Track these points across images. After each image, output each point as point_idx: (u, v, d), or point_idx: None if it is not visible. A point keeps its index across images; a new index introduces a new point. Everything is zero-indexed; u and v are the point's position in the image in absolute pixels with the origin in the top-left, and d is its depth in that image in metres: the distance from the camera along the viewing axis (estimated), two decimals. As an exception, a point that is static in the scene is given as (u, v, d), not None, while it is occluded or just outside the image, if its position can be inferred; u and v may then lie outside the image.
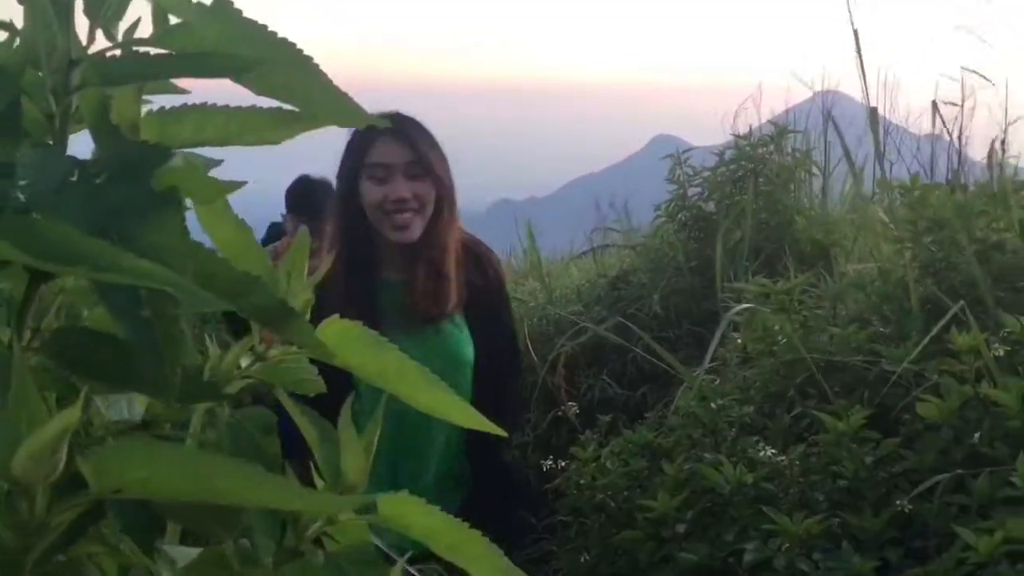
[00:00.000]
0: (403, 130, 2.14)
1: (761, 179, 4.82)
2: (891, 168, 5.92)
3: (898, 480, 1.97)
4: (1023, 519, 1.53)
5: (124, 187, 0.51)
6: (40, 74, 0.54)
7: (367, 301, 2.10)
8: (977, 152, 5.85)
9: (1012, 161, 5.63)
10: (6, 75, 0.52)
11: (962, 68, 5.40)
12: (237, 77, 0.56)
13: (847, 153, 4.77)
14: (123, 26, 0.57)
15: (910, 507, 1.85)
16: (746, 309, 3.08)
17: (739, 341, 2.95)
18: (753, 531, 1.89)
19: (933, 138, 5.46)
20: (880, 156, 5.56)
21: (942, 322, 2.50)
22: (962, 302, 2.42)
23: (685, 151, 5.31)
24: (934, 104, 5.14)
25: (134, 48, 0.56)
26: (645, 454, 2.37)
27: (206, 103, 0.60)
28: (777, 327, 2.58)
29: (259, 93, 0.59)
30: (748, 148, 4.97)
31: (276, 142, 0.62)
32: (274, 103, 0.63)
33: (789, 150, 5.07)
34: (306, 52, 0.59)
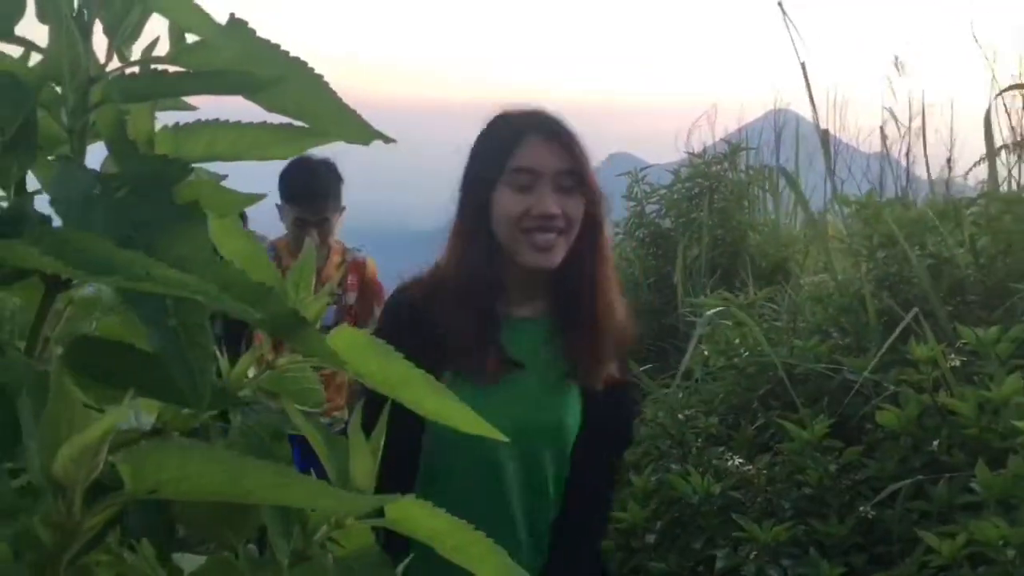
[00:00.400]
0: (556, 132, 1.62)
1: (716, 196, 4.92)
2: (842, 185, 6.07)
3: (860, 487, 2.02)
4: (984, 522, 1.58)
5: (146, 201, 0.53)
6: (59, 90, 0.55)
7: (495, 341, 1.58)
8: (923, 170, 6.02)
9: (959, 180, 5.82)
10: (26, 90, 0.53)
11: (909, 91, 5.57)
12: (251, 95, 0.58)
13: (789, 180, 4.88)
14: (141, 44, 0.59)
15: (873, 513, 1.89)
16: (709, 323, 3.14)
17: (705, 353, 3.00)
18: (721, 540, 1.93)
19: (882, 156, 5.62)
20: (831, 174, 5.70)
21: (896, 331, 2.58)
22: (915, 310, 2.49)
23: (642, 169, 5.40)
24: (881, 128, 5.30)
25: (152, 66, 0.57)
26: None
27: (217, 119, 0.61)
28: (738, 340, 2.63)
29: (270, 110, 0.61)
30: (703, 166, 5.06)
31: (284, 157, 0.64)
32: (279, 118, 0.65)
33: (743, 167, 5.18)
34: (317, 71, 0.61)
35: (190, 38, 0.59)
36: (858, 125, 5.32)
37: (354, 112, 0.62)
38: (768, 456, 2.13)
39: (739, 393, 2.69)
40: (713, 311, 3.14)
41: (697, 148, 5.88)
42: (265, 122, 0.63)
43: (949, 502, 1.82)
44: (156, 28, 0.60)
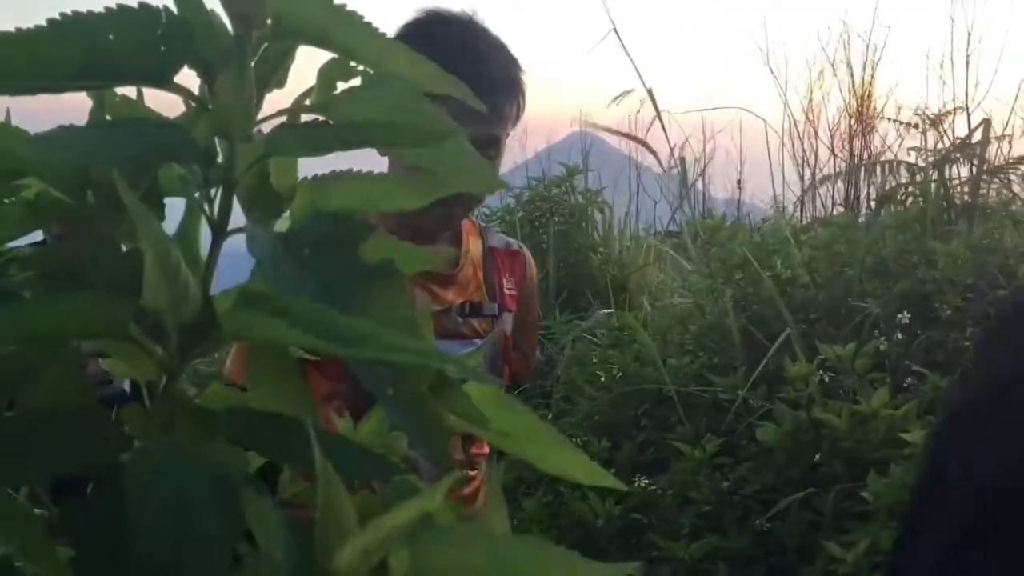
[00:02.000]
0: None
1: (558, 218, 5.05)
2: (655, 207, 6.39)
3: (750, 502, 2.13)
4: (887, 531, 1.71)
5: (335, 261, 0.50)
6: (223, 144, 0.51)
7: None
8: (718, 190, 6.44)
9: (748, 199, 6.26)
10: (198, 147, 0.49)
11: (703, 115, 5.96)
12: (405, 148, 0.56)
13: (601, 208, 5.11)
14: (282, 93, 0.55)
15: (768, 526, 2.00)
16: (573, 345, 3.22)
17: (571, 374, 3.07)
18: (629, 561, 1.98)
19: (681, 176, 5.97)
20: (636, 195, 6.00)
21: (771, 351, 2.74)
22: (788, 331, 2.65)
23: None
24: (677, 150, 5.65)
25: (303, 117, 0.54)
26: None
27: (351, 170, 0.59)
28: (616, 361, 2.71)
29: (408, 163, 0.59)
30: (543, 189, 5.20)
31: (411, 208, 0.62)
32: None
33: (580, 189, 5.35)
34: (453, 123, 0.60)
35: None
36: (658, 145, 5.62)
37: (483, 162, 0.62)
38: (666, 476, 2.21)
39: (610, 414, 2.77)
40: (577, 333, 3.22)
41: (507, 168, 6.04)
42: (395, 173, 0.61)
43: (839, 512, 1.96)
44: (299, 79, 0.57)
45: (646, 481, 2.16)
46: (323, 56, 0.58)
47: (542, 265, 4.83)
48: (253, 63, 0.53)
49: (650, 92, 4.61)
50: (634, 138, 5.29)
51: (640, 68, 5.08)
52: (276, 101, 0.56)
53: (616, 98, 5.12)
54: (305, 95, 0.56)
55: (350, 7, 0.52)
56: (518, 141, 6.24)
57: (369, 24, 0.53)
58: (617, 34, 5.06)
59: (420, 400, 0.48)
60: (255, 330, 0.45)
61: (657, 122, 4.86)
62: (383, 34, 0.53)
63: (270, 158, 0.54)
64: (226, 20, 0.53)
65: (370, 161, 0.58)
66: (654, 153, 5.74)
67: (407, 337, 0.46)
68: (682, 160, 5.42)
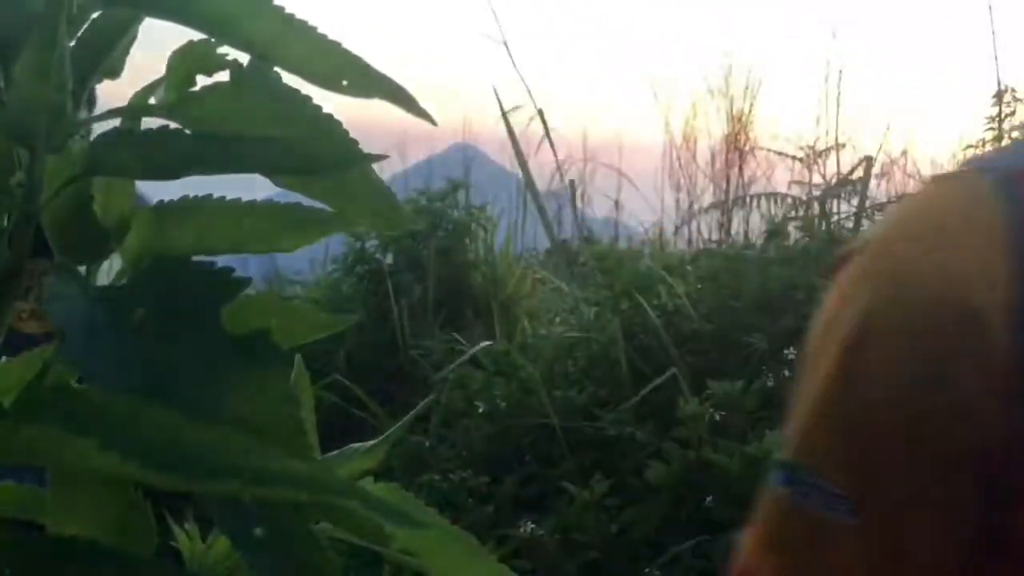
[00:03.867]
0: None
1: (440, 233, 4.90)
2: (536, 224, 6.34)
3: (639, 547, 2.03)
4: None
5: (183, 332, 0.34)
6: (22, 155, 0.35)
7: None
8: (597, 210, 6.46)
9: (626, 220, 6.30)
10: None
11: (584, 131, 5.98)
12: (303, 179, 0.41)
13: (484, 224, 5.03)
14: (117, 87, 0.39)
15: (658, 574, 1.91)
16: (456, 368, 3.08)
17: (444, 400, 2.93)
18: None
19: (560, 194, 5.95)
20: (523, 212, 5.94)
21: (649, 387, 2.67)
22: (673, 370, 2.59)
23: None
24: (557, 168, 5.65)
25: (143, 121, 0.38)
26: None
27: (211, 195, 0.43)
28: (498, 391, 2.59)
29: (292, 189, 0.44)
30: (426, 203, 5.04)
31: (293, 249, 0.47)
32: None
33: (463, 205, 5.21)
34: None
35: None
36: (539, 163, 5.58)
37: (392, 196, 0.47)
38: (550, 515, 2.09)
39: (496, 444, 2.64)
40: (461, 359, 3.09)
41: (386, 176, 5.87)
42: (271, 201, 0.46)
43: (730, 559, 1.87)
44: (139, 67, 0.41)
45: (531, 525, 2.04)
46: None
47: (422, 282, 4.67)
48: (73, 41, 0.37)
49: (540, 112, 4.54)
50: (521, 162, 5.20)
51: (529, 84, 5.02)
52: (108, 96, 0.40)
53: (507, 112, 5.02)
54: (149, 90, 0.40)
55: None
56: (397, 150, 6.07)
57: None
58: (507, 48, 4.98)
59: (304, 543, 0.33)
60: (47, 452, 0.29)
61: (546, 140, 4.78)
62: (280, 7, 0.37)
63: (92, 177, 0.38)
64: (36, -24, 0.37)
65: (240, 182, 0.43)
66: (529, 173, 5.68)
67: (288, 458, 0.31)
68: (572, 182, 5.38)
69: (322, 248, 5.15)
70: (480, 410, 2.71)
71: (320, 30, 0.36)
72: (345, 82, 0.38)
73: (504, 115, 5.24)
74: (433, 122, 0.39)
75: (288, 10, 0.35)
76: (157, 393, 0.33)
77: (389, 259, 4.88)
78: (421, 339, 4.26)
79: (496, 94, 5.01)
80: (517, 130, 5.52)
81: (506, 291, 4.69)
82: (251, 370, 0.34)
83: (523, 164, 5.56)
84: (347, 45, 0.39)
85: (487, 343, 3.42)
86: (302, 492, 0.30)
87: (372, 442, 0.46)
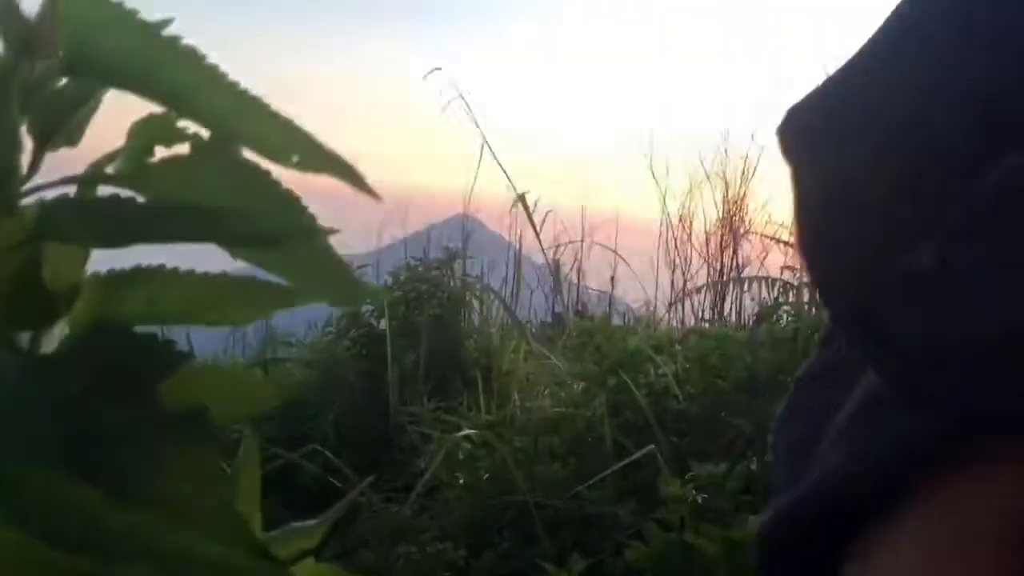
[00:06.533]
0: None
1: (434, 302, 4.90)
2: (531, 295, 6.36)
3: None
4: None
5: (116, 405, 0.34)
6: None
7: None
8: (592, 283, 6.49)
9: (620, 295, 6.31)
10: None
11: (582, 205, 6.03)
12: (249, 248, 0.41)
13: (479, 295, 5.03)
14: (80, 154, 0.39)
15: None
16: (442, 439, 3.05)
17: (432, 472, 2.90)
18: None
19: (556, 268, 5.98)
20: (517, 289, 5.96)
21: (627, 460, 2.64)
22: (652, 447, 2.57)
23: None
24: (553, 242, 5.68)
25: (99, 188, 0.39)
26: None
27: (163, 266, 0.43)
28: (483, 464, 2.56)
29: (247, 261, 0.44)
30: (423, 271, 5.05)
31: (244, 322, 0.47)
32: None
33: (459, 274, 5.23)
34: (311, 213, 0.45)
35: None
36: (537, 235, 5.62)
37: (349, 271, 0.47)
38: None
39: (476, 517, 2.60)
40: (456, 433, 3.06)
41: (386, 242, 5.93)
42: (224, 273, 0.45)
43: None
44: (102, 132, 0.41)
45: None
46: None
47: (415, 349, 4.65)
48: (32, 107, 0.38)
49: (521, 197, 4.61)
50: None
51: (512, 173, 5.09)
52: (65, 164, 0.40)
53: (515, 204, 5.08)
54: (108, 159, 0.40)
55: (188, 42, 0.37)
56: (398, 216, 6.12)
57: (216, 68, 0.37)
58: (488, 144, 5.08)
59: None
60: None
61: (544, 215, 4.83)
62: (235, 83, 0.37)
63: (41, 242, 0.38)
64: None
65: (199, 254, 0.43)
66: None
67: (211, 542, 0.30)
68: (556, 263, 5.42)
69: (320, 310, 5.16)
70: (462, 482, 2.68)
71: (273, 106, 0.37)
72: (295, 158, 0.38)
73: (520, 200, 5.28)
74: (377, 197, 0.39)
75: (242, 86, 0.35)
76: (79, 469, 0.32)
77: (384, 324, 4.88)
78: (410, 406, 4.24)
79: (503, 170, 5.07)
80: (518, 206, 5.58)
81: (498, 362, 4.68)
82: (183, 448, 0.34)
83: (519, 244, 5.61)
84: (304, 125, 0.40)
85: (474, 414, 3.40)
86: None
87: (312, 522, 0.45)
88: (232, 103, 0.36)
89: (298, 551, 0.44)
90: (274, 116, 0.35)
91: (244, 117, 0.36)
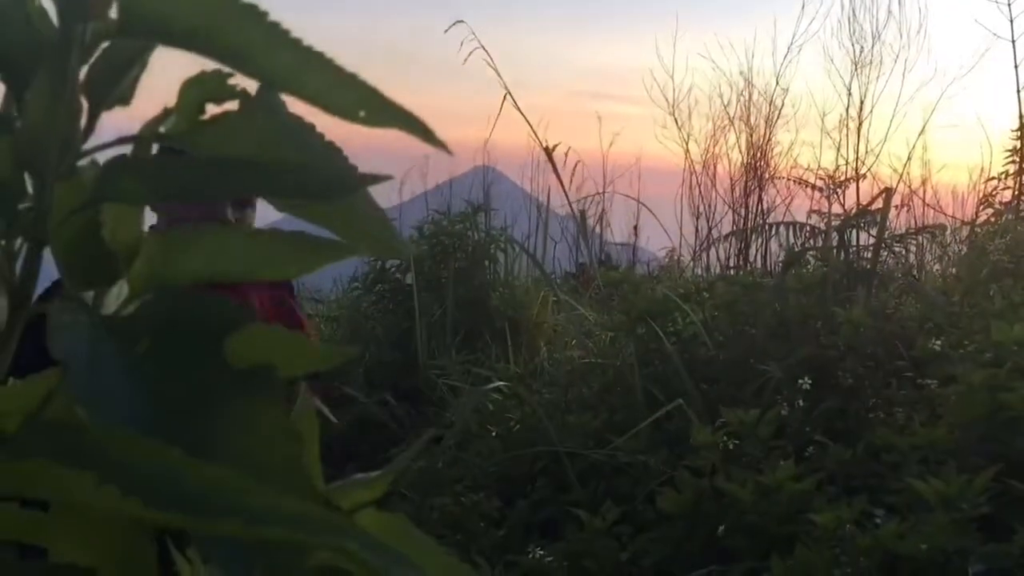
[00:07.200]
0: None
1: (460, 255, 4.91)
2: (555, 247, 6.33)
3: (649, 575, 2.01)
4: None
5: (186, 363, 0.34)
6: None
7: None
8: (616, 234, 6.45)
9: (644, 245, 6.28)
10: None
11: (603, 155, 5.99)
12: (308, 202, 0.41)
13: (504, 247, 5.02)
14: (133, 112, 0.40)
15: (668, 604, 1.89)
16: (471, 392, 3.07)
17: (468, 421, 2.92)
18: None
19: (582, 219, 5.94)
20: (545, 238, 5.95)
21: (661, 411, 2.65)
22: (680, 400, 2.57)
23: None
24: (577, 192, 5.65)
25: (159, 146, 0.39)
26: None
27: (219, 223, 0.43)
28: (513, 415, 2.58)
29: (293, 214, 0.44)
30: (447, 224, 5.05)
31: (300, 275, 0.47)
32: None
33: (483, 227, 5.22)
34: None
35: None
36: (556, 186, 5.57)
37: (390, 224, 0.47)
38: (561, 542, 2.07)
39: (509, 467, 2.63)
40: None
41: (407, 197, 5.92)
42: (276, 229, 0.46)
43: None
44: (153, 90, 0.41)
45: (540, 552, 2.02)
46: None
47: (441, 302, 4.67)
48: (85, 68, 0.38)
49: (547, 149, 4.57)
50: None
51: (537, 124, 5.04)
52: (118, 124, 0.41)
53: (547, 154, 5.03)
54: (160, 119, 0.40)
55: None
56: (419, 171, 6.10)
57: (276, 24, 0.37)
58: (511, 95, 5.02)
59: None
60: (46, 486, 0.29)
61: (569, 165, 4.80)
62: (297, 40, 0.37)
63: (102, 204, 0.38)
64: (50, 6, 0.37)
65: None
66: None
67: (287, 496, 0.31)
68: (583, 213, 5.39)
69: (346, 266, 5.18)
70: (494, 434, 2.70)
71: (337, 62, 0.36)
72: (363, 113, 0.38)
73: (546, 152, 5.23)
74: (449, 152, 0.39)
75: (306, 42, 0.35)
76: (158, 428, 0.33)
77: (409, 279, 4.89)
78: (438, 359, 4.26)
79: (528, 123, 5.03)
80: (539, 157, 5.55)
81: (525, 314, 4.68)
82: (251, 404, 0.34)
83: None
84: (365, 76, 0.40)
85: (502, 366, 3.42)
86: (300, 533, 0.30)
87: (375, 473, 0.46)
88: (296, 60, 0.35)
89: (362, 502, 0.45)
90: (339, 71, 0.35)
91: (309, 74, 0.36)
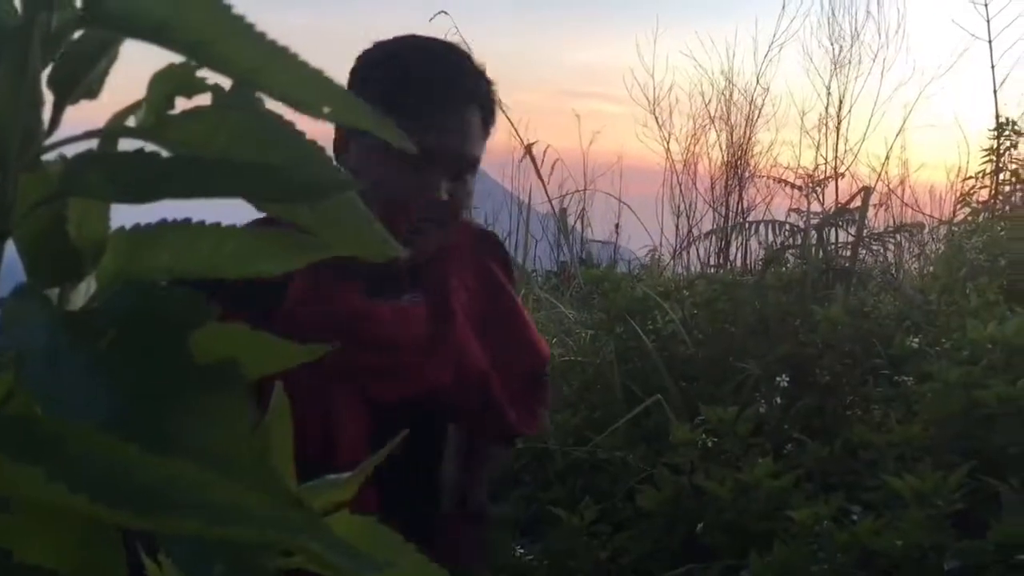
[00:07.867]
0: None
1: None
2: (536, 245, 6.34)
3: (630, 574, 2.02)
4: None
5: (148, 358, 0.34)
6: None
7: None
8: (596, 232, 6.46)
9: (625, 244, 6.29)
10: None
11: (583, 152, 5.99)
12: (289, 204, 0.40)
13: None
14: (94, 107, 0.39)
15: (647, 601, 1.89)
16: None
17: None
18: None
19: (562, 217, 5.96)
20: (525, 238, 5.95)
21: (639, 408, 2.66)
22: (658, 396, 2.58)
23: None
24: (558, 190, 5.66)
25: (129, 142, 0.38)
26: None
27: (189, 220, 0.42)
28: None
29: (274, 214, 0.44)
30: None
31: (270, 274, 0.46)
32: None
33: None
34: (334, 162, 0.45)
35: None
36: (544, 186, 5.58)
37: (375, 224, 0.47)
38: (541, 542, 2.07)
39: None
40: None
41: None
42: (249, 226, 0.45)
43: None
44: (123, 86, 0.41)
45: (520, 551, 2.02)
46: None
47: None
48: (53, 60, 0.37)
49: (528, 148, 4.57)
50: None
51: (518, 122, 5.04)
52: (85, 117, 0.40)
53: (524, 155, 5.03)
54: (127, 112, 0.39)
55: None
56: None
57: (241, 18, 0.36)
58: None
59: (263, 582, 0.32)
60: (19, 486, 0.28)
61: (548, 164, 4.80)
62: (262, 34, 0.36)
63: (67, 198, 0.38)
64: (14, -6, 0.36)
65: (224, 207, 0.42)
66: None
67: (253, 494, 0.31)
68: (563, 212, 5.39)
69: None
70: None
71: (303, 57, 0.36)
72: (327, 109, 0.37)
73: (527, 151, 5.22)
74: (413, 151, 0.38)
75: (271, 36, 0.35)
76: (117, 423, 0.32)
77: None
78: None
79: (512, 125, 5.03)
80: (517, 156, 5.55)
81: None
82: (216, 400, 0.34)
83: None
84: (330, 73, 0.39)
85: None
86: (264, 532, 0.29)
87: (347, 474, 0.45)
88: (259, 53, 0.35)
89: (332, 502, 0.44)
90: (303, 66, 0.35)
91: (272, 68, 0.35)
